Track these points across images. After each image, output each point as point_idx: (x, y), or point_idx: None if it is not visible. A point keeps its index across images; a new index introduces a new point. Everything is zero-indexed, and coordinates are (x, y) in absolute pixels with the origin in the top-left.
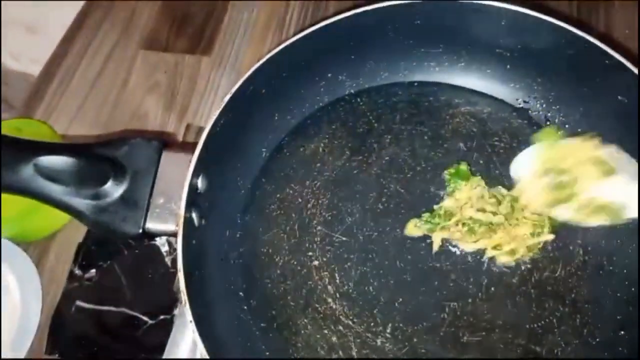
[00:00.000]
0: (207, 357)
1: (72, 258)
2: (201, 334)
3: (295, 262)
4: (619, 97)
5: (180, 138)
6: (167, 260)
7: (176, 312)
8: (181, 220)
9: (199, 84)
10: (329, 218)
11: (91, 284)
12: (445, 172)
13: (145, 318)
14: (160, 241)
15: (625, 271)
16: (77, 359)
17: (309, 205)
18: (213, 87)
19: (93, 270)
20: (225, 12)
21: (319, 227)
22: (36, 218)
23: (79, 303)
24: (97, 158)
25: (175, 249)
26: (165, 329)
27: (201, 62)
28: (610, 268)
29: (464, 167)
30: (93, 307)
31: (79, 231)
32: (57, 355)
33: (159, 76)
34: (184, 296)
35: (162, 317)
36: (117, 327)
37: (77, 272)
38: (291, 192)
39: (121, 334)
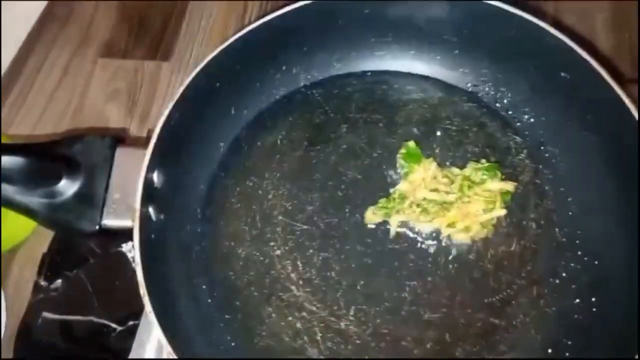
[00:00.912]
0: (171, 349)
1: (36, 269)
2: (163, 327)
3: (257, 253)
4: (562, 74)
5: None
6: (135, 266)
7: (144, 315)
8: (137, 215)
9: (159, 89)
10: (290, 208)
11: (57, 295)
12: (398, 155)
13: (114, 325)
14: (127, 247)
15: (577, 242)
16: None
17: (269, 197)
18: (174, 92)
19: (59, 281)
20: (184, 16)
21: (279, 217)
22: None
23: (45, 314)
24: (50, 157)
25: None
26: (134, 334)
27: (161, 68)
28: (564, 240)
29: (412, 144)
30: (60, 318)
31: (43, 241)
32: None
33: (119, 83)
34: (142, 289)
35: (131, 323)
36: (86, 336)
37: (43, 283)
38: (251, 184)
39: (90, 343)
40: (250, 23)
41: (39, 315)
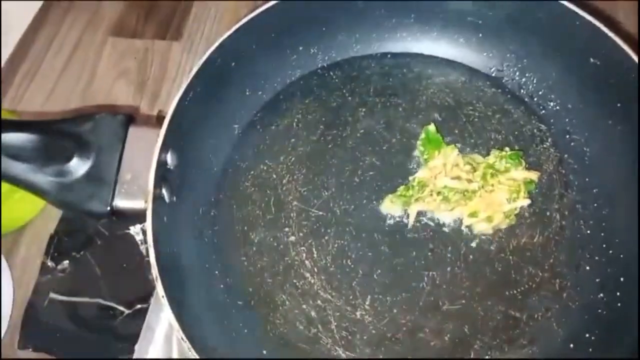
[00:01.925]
0: (182, 334)
1: (43, 250)
2: (175, 312)
3: (271, 239)
4: (591, 60)
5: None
6: (142, 248)
7: (152, 299)
8: (150, 196)
9: (169, 69)
10: (305, 193)
11: (64, 276)
12: (418, 140)
13: (121, 308)
14: (135, 230)
15: (602, 234)
16: (52, 352)
17: (284, 181)
18: (184, 72)
19: (66, 262)
20: None
21: (294, 203)
22: (5, 211)
23: (52, 295)
24: (60, 134)
25: None
26: (141, 318)
27: (171, 48)
28: (588, 232)
29: (432, 128)
30: (67, 299)
31: (50, 222)
32: (30, 349)
33: (129, 63)
34: (154, 271)
35: (138, 306)
36: (93, 318)
37: (50, 263)
38: (265, 168)
39: (97, 325)
40: (262, 2)
41: (45, 296)
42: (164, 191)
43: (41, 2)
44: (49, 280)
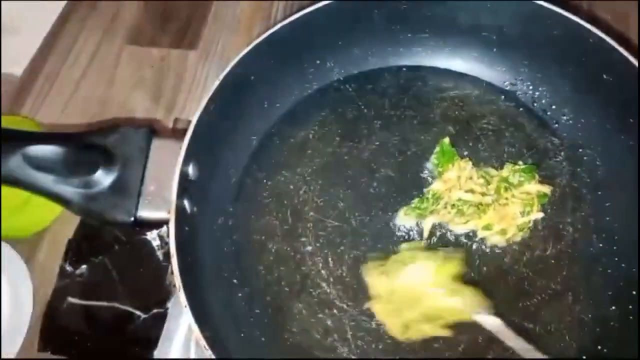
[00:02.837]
0: (204, 342)
1: (62, 254)
2: (197, 319)
3: (288, 248)
4: (604, 77)
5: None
6: (159, 254)
7: (169, 305)
8: (173, 207)
9: (185, 78)
10: (321, 204)
11: (82, 280)
12: (433, 154)
13: (138, 312)
14: (151, 235)
15: (614, 248)
16: (70, 355)
17: (301, 192)
18: (200, 81)
19: (84, 266)
20: (211, 5)
21: (311, 213)
22: (25, 215)
23: (70, 299)
24: (86, 146)
25: (166, 243)
26: (158, 322)
27: (188, 57)
28: (600, 245)
29: (446, 141)
30: (85, 303)
31: (69, 227)
32: (49, 352)
33: (146, 71)
34: (177, 281)
35: (155, 310)
36: (110, 323)
37: (68, 268)
38: (282, 179)
39: (114, 329)
40: (277, 13)
41: (64, 300)
42: (185, 202)
43: (59, 10)
44: (67, 285)
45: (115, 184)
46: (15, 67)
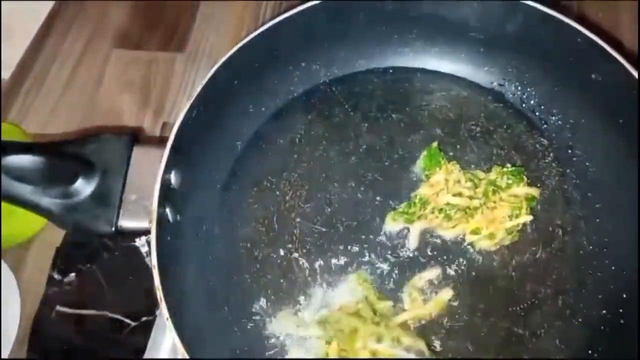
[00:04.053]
0: (186, 355)
1: (50, 263)
2: (179, 332)
3: (274, 255)
4: (593, 77)
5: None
6: (147, 261)
7: (158, 312)
8: (154, 217)
9: (173, 81)
10: (308, 210)
11: (71, 288)
12: (420, 157)
13: (127, 320)
14: (140, 242)
15: (605, 250)
16: None
17: (287, 197)
18: (188, 83)
19: (72, 274)
20: (198, 8)
21: (297, 219)
22: (11, 224)
23: (59, 308)
24: (64, 156)
25: None
26: (148, 330)
27: (175, 59)
28: (590, 248)
29: (435, 145)
30: (74, 312)
31: (57, 235)
32: None
33: (133, 74)
34: (159, 293)
35: (144, 318)
36: (99, 331)
37: (56, 276)
38: (268, 184)
39: (103, 337)
40: (265, 15)
41: (53, 308)
42: (167, 211)
43: (46, 13)
44: (55, 293)
45: (96, 193)
46: (6, 71)
